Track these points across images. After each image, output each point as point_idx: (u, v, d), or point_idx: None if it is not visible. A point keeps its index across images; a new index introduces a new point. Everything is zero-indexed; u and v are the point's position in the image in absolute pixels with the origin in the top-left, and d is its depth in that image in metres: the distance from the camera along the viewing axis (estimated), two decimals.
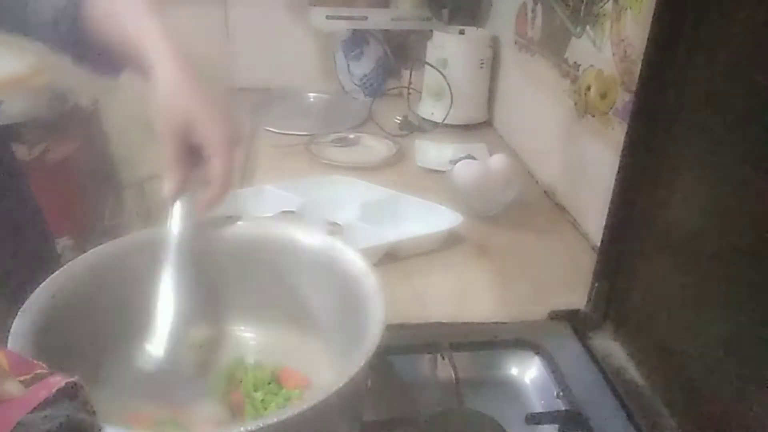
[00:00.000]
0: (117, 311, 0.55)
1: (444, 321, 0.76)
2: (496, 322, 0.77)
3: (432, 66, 1.38)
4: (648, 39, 0.63)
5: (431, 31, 1.42)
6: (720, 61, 0.58)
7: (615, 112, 0.89)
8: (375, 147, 1.29)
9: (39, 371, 0.33)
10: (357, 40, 1.54)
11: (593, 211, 0.92)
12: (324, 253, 0.58)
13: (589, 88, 0.97)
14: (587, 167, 0.99)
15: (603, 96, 0.92)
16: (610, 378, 0.69)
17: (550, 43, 1.13)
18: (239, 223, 0.62)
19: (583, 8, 0.98)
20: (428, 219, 0.95)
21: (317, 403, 0.40)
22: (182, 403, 0.54)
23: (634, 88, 0.68)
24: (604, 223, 0.73)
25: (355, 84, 1.57)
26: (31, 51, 1.30)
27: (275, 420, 0.39)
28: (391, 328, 0.47)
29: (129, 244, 0.58)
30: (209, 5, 1.56)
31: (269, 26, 1.58)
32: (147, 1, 0.59)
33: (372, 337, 0.46)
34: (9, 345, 0.44)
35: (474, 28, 1.45)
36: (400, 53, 1.56)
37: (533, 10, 1.20)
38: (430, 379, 0.69)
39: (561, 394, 0.66)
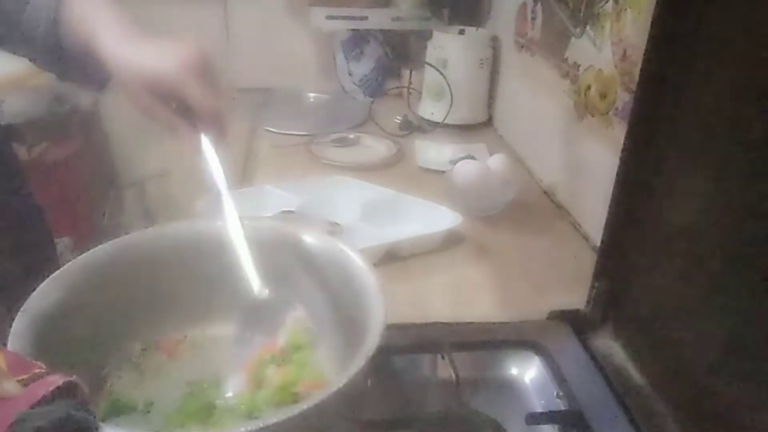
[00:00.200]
0: (117, 311, 0.55)
1: (444, 321, 0.76)
2: (496, 322, 0.77)
3: (432, 66, 1.38)
4: (648, 39, 0.63)
5: (431, 31, 1.42)
6: (720, 60, 0.58)
7: (615, 112, 0.89)
8: (375, 147, 1.29)
9: (37, 371, 0.33)
10: (357, 40, 1.54)
11: (593, 211, 0.92)
12: (324, 253, 0.59)
13: (589, 88, 0.97)
14: (587, 167, 0.99)
15: (603, 96, 0.92)
16: (610, 378, 0.69)
17: (550, 43, 1.13)
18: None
19: (583, 8, 0.98)
20: (428, 219, 0.95)
21: (317, 403, 0.40)
22: None
23: (634, 88, 0.68)
24: (604, 223, 0.73)
25: (355, 84, 1.57)
26: None
27: (275, 420, 0.39)
28: (391, 328, 0.47)
29: (129, 244, 0.58)
30: (209, 5, 1.57)
31: (269, 26, 1.58)
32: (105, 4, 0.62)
33: (372, 337, 0.46)
34: (9, 345, 0.43)
35: (474, 28, 1.45)
36: (400, 53, 1.57)
37: (533, 10, 1.20)
38: (430, 379, 0.69)
39: (561, 394, 0.66)
